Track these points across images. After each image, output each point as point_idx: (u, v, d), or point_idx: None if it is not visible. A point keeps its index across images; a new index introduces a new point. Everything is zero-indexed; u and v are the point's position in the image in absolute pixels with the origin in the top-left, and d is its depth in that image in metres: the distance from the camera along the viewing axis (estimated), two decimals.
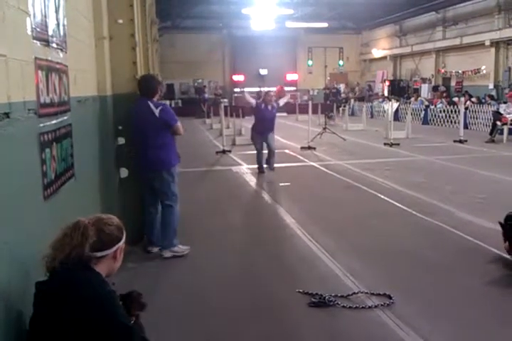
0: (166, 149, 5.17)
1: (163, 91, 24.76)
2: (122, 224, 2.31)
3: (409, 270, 4.83)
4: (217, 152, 13.03)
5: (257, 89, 30.57)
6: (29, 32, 2.51)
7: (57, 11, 3.09)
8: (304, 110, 20.44)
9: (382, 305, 3.98)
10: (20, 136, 2.29)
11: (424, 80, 26.86)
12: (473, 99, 19.45)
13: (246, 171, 10.53)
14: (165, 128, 5.11)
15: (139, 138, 5.17)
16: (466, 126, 16.25)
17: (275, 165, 10.38)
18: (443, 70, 25.49)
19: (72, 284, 2.03)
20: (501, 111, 15.22)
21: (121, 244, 2.25)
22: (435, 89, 24.94)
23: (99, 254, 2.15)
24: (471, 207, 7.01)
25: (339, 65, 30.23)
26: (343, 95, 30.23)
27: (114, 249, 2.21)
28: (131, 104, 5.13)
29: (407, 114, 17.64)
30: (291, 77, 32.22)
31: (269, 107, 10.08)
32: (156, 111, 5.02)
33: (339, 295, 4.14)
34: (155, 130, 5.06)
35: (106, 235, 2.17)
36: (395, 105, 18.02)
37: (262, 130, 10.09)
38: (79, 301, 2.00)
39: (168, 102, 25.55)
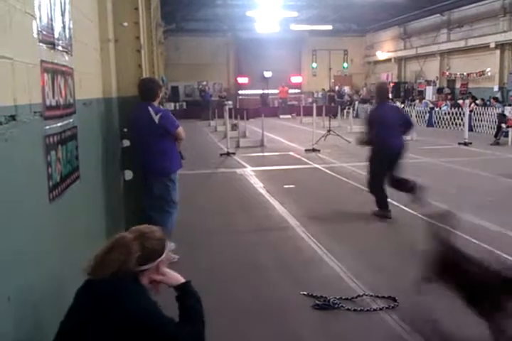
0: (166, 155, 5.12)
1: (167, 94, 24.90)
2: (163, 235, 2.36)
3: (414, 272, 4.81)
4: (221, 154, 13.04)
5: (260, 92, 30.75)
6: (35, 35, 2.52)
7: (63, 14, 3.10)
8: (308, 112, 20.43)
9: (387, 307, 3.98)
10: (26, 139, 2.30)
11: (428, 82, 26.81)
12: (477, 102, 19.40)
13: (250, 173, 10.53)
14: (165, 135, 5.05)
15: (139, 144, 5.15)
16: (470, 129, 16.22)
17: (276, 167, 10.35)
18: (447, 73, 25.43)
19: (119, 296, 2.08)
20: (506, 113, 15.19)
21: (163, 257, 2.30)
22: (440, 91, 24.89)
23: (142, 268, 2.21)
24: (477, 210, 6.98)
25: (343, 67, 30.23)
26: (346, 97, 30.24)
27: (157, 262, 2.26)
28: (133, 108, 5.12)
29: (411, 116, 17.61)
30: (295, 79, 32.23)
31: None
32: (156, 118, 4.96)
33: (344, 297, 4.13)
34: (155, 136, 5.02)
35: (148, 250, 2.22)
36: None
37: None
38: (125, 313, 2.05)
39: (172, 104, 25.73)
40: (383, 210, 6.84)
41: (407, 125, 7.08)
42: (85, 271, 2.16)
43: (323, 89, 30.61)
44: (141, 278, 2.22)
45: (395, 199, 7.35)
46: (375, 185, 6.92)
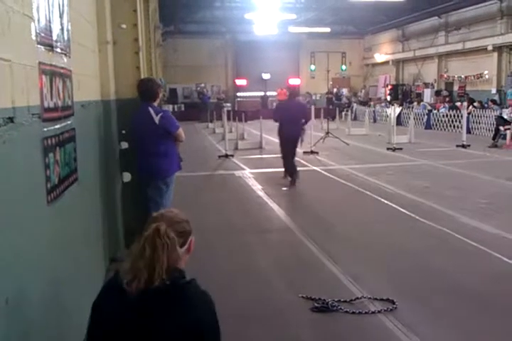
0: (165, 157, 5.09)
1: (166, 96, 24.92)
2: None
3: (412, 275, 4.82)
4: (219, 156, 13.05)
5: (260, 94, 30.78)
6: (33, 37, 2.51)
7: (61, 16, 3.10)
8: None
9: (385, 310, 3.97)
10: (24, 141, 2.29)
11: (426, 85, 26.85)
12: (475, 104, 19.43)
13: (249, 175, 10.53)
14: (165, 136, 5.03)
15: (138, 144, 5.12)
16: (468, 131, 16.23)
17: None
18: (445, 75, 25.48)
19: (191, 294, 2.03)
20: (504, 115, 15.20)
21: (192, 235, 2.24)
22: (438, 93, 24.93)
23: (181, 252, 2.15)
24: (475, 212, 6.99)
25: (342, 69, 30.27)
26: (344, 99, 30.28)
27: (188, 242, 2.21)
28: (135, 109, 5.12)
29: (409, 118, 17.64)
30: (293, 81, 32.27)
31: None
32: (156, 118, 4.93)
33: (342, 300, 4.13)
34: (155, 137, 4.99)
35: (181, 233, 2.15)
36: (398, 110, 18.05)
37: None
38: (204, 310, 2.04)
39: (171, 106, 25.74)
40: (284, 174, 9.64)
41: (305, 120, 9.53)
42: (132, 282, 1.95)
43: (308, 93, 30.80)
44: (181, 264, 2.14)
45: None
46: (283, 159, 9.61)
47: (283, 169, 9.76)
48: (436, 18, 25.32)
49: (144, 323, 1.94)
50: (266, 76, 30.95)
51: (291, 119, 9.19)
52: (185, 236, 2.17)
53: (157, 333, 1.93)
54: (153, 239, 2.01)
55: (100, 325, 2.01)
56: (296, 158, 12.99)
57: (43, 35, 2.66)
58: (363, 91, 32.48)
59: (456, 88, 24.78)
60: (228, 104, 27.24)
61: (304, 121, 9.42)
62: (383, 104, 26.51)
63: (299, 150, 13.98)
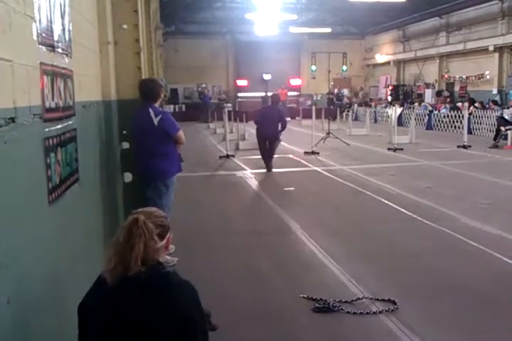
0: (165, 158, 5.08)
1: (167, 96, 24.92)
2: None
3: (413, 275, 4.81)
4: (220, 157, 13.05)
5: (262, 94, 30.78)
6: (35, 37, 2.52)
7: (62, 17, 3.10)
8: (307, 115, 20.44)
9: (386, 310, 3.97)
10: (25, 141, 2.29)
11: (427, 85, 26.82)
12: (476, 105, 19.41)
13: (250, 176, 10.54)
14: (165, 137, 5.01)
15: (138, 145, 5.12)
16: (469, 132, 16.23)
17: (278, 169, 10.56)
18: (446, 76, 25.45)
19: (172, 282, 2.04)
20: (505, 116, 15.19)
21: (170, 232, 2.24)
22: (439, 94, 24.91)
23: (159, 246, 2.14)
24: (476, 213, 6.99)
25: (342, 70, 30.27)
26: (345, 100, 30.28)
27: (167, 238, 2.20)
28: (136, 109, 5.11)
29: (410, 119, 17.63)
30: (294, 82, 32.27)
31: None
32: (155, 120, 4.92)
33: (343, 300, 4.13)
34: (154, 138, 4.98)
35: (160, 226, 2.16)
36: (399, 110, 18.03)
37: None
38: (186, 298, 2.03)
39: (172, 107, 25.75)
40: (267, 167, 10.91)
41: (282, 123, 10.98)
42: (111, 270, 2.01)
43: (299, 95, 30.91)
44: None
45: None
46: (261, 154, 11.18)
47: (276, 169, 10.89)
48: (437, 18, 25.29)
49: (127, 312, 1.98)
50: (267, 76, 30.92)
51: (270, 122, 10.79)
52: (164, 230, 2.18)
53: (141, 321, 1.96)
54: (130, 228, 2.04)
55: (87, 321, 2.09)
56: (297, 159, 13.18)
57: (44, 35, 2.66)
58: (361, 92, 32.47)
59: (457, 88, 24.74)
60: (229, 105, 27.22)
61: (281, 125, 10.92)
62: (384, 105, 26.49)
63: (300, 150, 14.14)
